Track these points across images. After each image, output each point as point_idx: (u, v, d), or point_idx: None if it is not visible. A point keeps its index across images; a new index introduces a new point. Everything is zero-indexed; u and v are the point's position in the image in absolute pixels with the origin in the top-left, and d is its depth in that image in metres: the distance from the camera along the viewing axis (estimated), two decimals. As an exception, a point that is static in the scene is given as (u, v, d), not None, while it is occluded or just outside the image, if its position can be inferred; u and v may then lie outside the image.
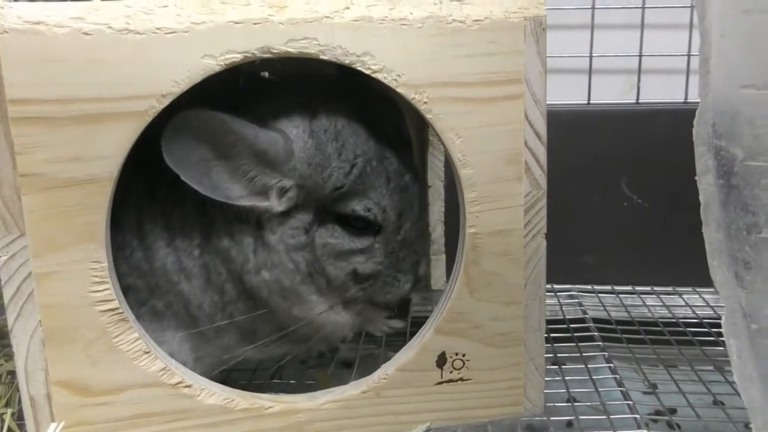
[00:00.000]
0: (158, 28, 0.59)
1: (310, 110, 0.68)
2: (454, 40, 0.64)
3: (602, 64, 1.20)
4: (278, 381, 0.91)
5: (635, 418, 0.75)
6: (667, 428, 0.81)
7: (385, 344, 0.91)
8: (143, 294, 0.72)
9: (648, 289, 1.15)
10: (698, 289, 1.12)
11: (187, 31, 0.59)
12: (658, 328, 0.99)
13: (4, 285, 0.62)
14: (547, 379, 0.74)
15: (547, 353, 0.74)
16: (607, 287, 1.15)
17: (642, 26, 1.18)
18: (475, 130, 0.65)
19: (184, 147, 0.63)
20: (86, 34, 0.58)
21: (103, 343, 0.64)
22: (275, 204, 0.68)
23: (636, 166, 1.15)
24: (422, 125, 0.92)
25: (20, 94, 0.58)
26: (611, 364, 0.88)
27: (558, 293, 1.13)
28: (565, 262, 1.07)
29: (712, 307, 1.07)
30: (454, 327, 0.69)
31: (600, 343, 0.95)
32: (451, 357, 0.70)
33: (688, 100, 1.19)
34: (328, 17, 0.61)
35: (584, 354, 0.92)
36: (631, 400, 0.79)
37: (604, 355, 0.91)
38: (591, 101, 1.20)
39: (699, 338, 0.96)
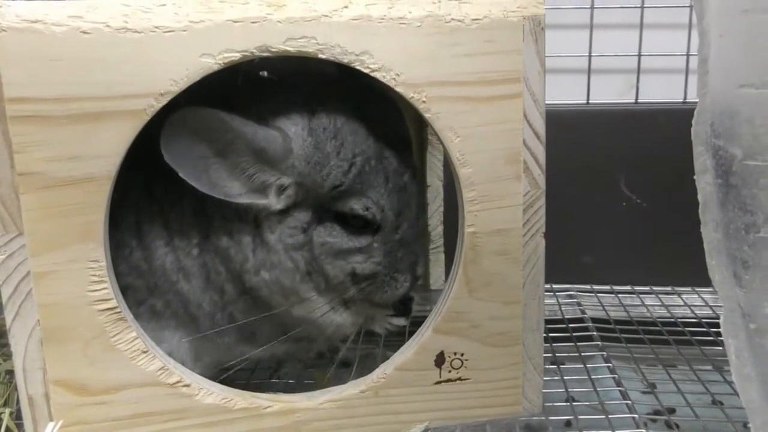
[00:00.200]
0: (156, 27, 0.59)
1: (309, 109, 0.68)
2: (452, 39, 0.64)
3: (601, 64, 1.20)
4: (277, 380, 0.91)
5: (634, 418, 0.75)
6: (665, 428, 0.81)
7: (383, 344, 0.91)
8: (142, 293, 0.72)
9: (647, 288, 1.15)
10: (697, 289, 1.12)
11: (185, 30, 0.59)
12: (657, 328, 0.99)
13: (3, 284, 0.61)
14: (545, 378, 0.74)
15: (545, 353, 0.74)
16: (606, 287, 1.15)
17: (641, 26, 1.18)
18: (473, 129, 0.65)
19: (183, 144, 0.63)
20: (84, 32, 0.58)
21: (102, 342, 0.64)
22: (273, 202, 0.68)
23: (635, 166, 1.15)
24: (421, 124, 0.92)
25: (18, 92, 0.58)
26: (610, 364, 0.88)
27: (557, 293, 1.13)
28: (564, 261, 1.07)
29: (710, 306, 1.07)
30: (452, 326, 0.69)
31: (599, 342, 0.95)
32: (449, 356, 0.70)
33: (687, 100, 1.19)
34: (326, 16, 0.61)
35: (583, 354, 0.92)
36: (630, 400, 0.79)
37: (602, 355, 0.91)
38: (590, 101, 1.20)
39: (698, 338, 0.96)
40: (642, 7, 1.18)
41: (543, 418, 0.74)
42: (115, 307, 0.63)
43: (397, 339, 0.81)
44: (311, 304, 0.72)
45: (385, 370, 0.70)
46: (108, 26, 0.58)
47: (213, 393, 0.67)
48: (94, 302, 0.63)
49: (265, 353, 0.77)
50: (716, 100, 0.55)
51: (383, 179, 0.70)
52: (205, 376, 0.70)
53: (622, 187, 1.16)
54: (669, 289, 1.14)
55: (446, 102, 0.64)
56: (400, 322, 0.76)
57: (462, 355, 0.70)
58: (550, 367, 0.87)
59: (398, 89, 0.64)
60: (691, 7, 1.15)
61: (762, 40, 0.52)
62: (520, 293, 0.69)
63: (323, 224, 0.70)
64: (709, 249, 0.57)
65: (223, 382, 0.71)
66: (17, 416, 0.70)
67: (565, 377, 0.85)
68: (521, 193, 0.68)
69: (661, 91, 1.19)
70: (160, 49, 0.59)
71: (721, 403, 0.81)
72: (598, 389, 0.82)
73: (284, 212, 0.69)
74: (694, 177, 0.57)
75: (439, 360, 0.70)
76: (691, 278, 1.11)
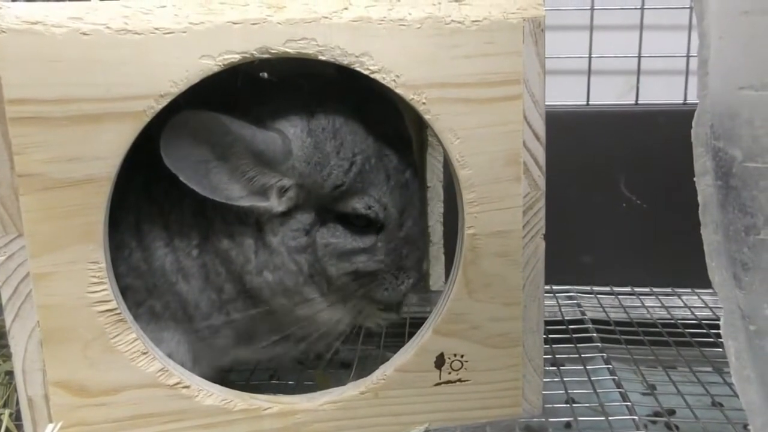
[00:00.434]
0: (156, 29, 0.59)
1: (308, 110, 0.68)
2: (452, 40, 0.64)
3: (601, 65, 1.20)
4: (277, 382, 0.91)
5: (634, 419, 0.75)
6: (665, 429, 0.81)
7: (383, 345, 0.91)
8: (141, 294, 0.72)
9: (647, 290, 1.15)
10: (697, 290, 1.12)
11: (185, 32, 0.59)
12: (657, 329, 0.99)
13: (2, 285, 0.62)
14: (545, 380, 0.74)
15: (545, 354, 0.74)
16: (606, 288, 1.15)
17: (641, 27, 1.18)
18: (473, 131, 0.65)
19: (183, 148, 0.63)
20: (84, 34, 0.58)
21: (101, 343, 0.64)
22: (275, 204, 0.68)
23: (635, 167, 1.16)
24: (421, 125, 0.92)
25: (18, 94, 0.58)
26: (610, 365, 0.88)
27: (557, 294, 1.13)
28: (564, 263, 1.08)
29: (710, 308, 1.07)
30: (452, 328, 0.69)
31: (599, 344, 0.95)
32: (449, 358, 0.70)
33: (687, 101, 1.19)
34: (326, 18, 0.61)
35: (583, 355, 0.92)
36: (630, 401, 0.79)
37: (602, 356, 0.91)
38: (590, 102, 1.20)
39: (698, 339, 0.96)
40: (642, 9, 1.18)
41: (543, 419, 0.74)
42: (115, 309, 0.63)
43: (397, 340, 0.81)
44: (312, 305, 0.72)
45: (385, 371, 0.70)
46: (108, 28, 0.58)
47: (213, 394, 0.67)
48: (93, 303, 0.63)
49: (264, 354, 0.77)
50: (716, 101, 0.55)
51: (384, 177, 0.70)
52: (206, 378, 0.70)
53: (622, 188, 1.16)
54: (669, 290, 1.14)
55: (446, 103, 0.64)
56: (392, 316, 0.76)
57: (462, 356, 0.70)
58: (550, 368, 0.87)
59: (398, 91, 0.64)
60: (691, 8, 1.15)
61: (762, 41, 0.52)
62: (519, 295, 0.69)
63: (326, 225, 0.70)
64: (709, 251, 0.57)
65: (222, 383, 0.71)
66: (17, 417, 0.70)
67: (565, 378, 0.85)
68: (521, 194, 0.68)
69: (661, 92, 1.19)
70: (160, 50, 0.59)
71: (721, 405, 0.81)
72: (598, 391, 0.82)
73: (286, 214, 0.69)
74: (694, 178, 0.57)
75: (439, 361, 0.70)
76: (691, 279, 1.11)
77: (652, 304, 1.10)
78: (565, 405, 0.79)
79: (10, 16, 0.57)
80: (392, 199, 0.70)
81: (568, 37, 1.20)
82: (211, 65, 0.60)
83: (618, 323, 1.02)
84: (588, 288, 1.15)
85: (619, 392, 0.82)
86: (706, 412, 0.79)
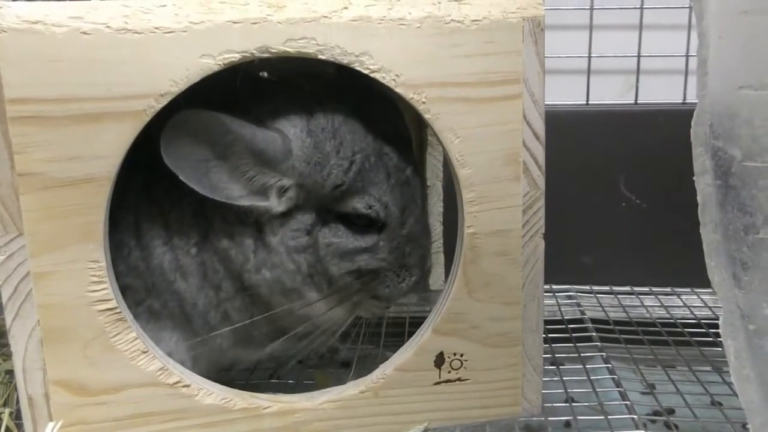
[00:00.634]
0: (157, 28, 0.59)
1: (307, 109, 0.68)
2: (452, 40, 0.64)
3: (601, 65, 1.21)
4: (276, 381, 0.91)
5: (633, 419, 0.75)
6: (665, 429, 0.81)
7: (383, 344, 0.91)
8: (140, 293, 0.72)
9: (646, 289, 1.15)
10: (696, 290, 1.12)
11: (185, 31, 0.59)
12: (656, 329, 0.99)
13: (2, 285, 0.62)
14: (545, 379, 0.74)
15: (545, 353, 0.74)
16: (606, 288, 1.15)
17: (640, 27, 1.19)
18: (473, 130, 0.65)
19: (183, 147, 0.63)
20: (85, 33, 0.58)
21: (101, 342, 0.64)
22: (275, 204, 0.68)
23: (634, 167, 1.16)
24: (421, 125, 0.92)
25: (18, 93, 0.58)
26: (609, 365, 0.88)
27: (556, 293, 1.13)
28: (564, 262, 1.07)
29: (710, 307, 1.07)
30: (452, 327, 0.69)
31: (598, 343, 0.95)
32: (449, 357, 0.70)
33: (686, 101, 1.19)
34: (326, 17, 0.62)
35: (582, 354, 0.92)
36: (629, 401, 0.79)
37: (602, 356, 0.91)
38: (590, 101, 1.20)
39: (697, 339, 0.96)
40: (641, 8, 1.18)
41: (542, 418, 0.74)
42: (115, 308, 0.63)
43: (397, 339, 0.81)
44: (310, 301, 0.72)
45: (384, 370, 0.70)
46: (108, 27, 0.58)
47: (212, 393, 0.67)
48: (93, 303, 0.63)
49: (264, 354, 0.77)
50: (715, 101, 0.55)
51: (384, 176, 0.70)
52: (206, 377, 0.70)
53: (621, 187, 1.16)
54: (668, 289, 1.14)
55: (446, 103, 0.64)
56: (383, 304, 0.76)
57: (461, 355, 0.70)
58: (550, 367, 0.87)
59: (398, 90, 0.64)
60: (690, 8, 1.15)
61: (761, 41, 0.52)
62: (519, 294, 0.70)
63: (328, 225, 0.70)
64: (708, 250, 0.57)
65: (222, 382, 0.71)
66: (17, 416, 0.70)
67: (564, 378, 0.85)
68: (520, 193, 0.68)
69: (660, 91, 1.19)
70: (161, 49, 0.59)
71: (720, 404, 0.81)
72: (597, 390, 0.82)
73: (286, 215, 0.69)
74: (694, 178, 0.57)
75: (439, 360, 0.70)
76: (690, 279, 1.11)
77: (652, 303, 1.10)
78: (564, 404, 0.79)
79: (11, 15, 0.57)
80: (393, 198, 0.70)
81: (568, 37, 1.20)
82: (211, 64, 0.60)
83: (617, 323, 1.02)
84: (587, 287, 1.15)
85: (619, 391, 0.82)
86: (706, 411, 0.79)
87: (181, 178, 0.63)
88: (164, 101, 0.60)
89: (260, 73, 0.75)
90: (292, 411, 0.69)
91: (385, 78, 0.63)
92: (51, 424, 0.64)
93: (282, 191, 0.68)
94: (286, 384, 0.90)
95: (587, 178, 1.16)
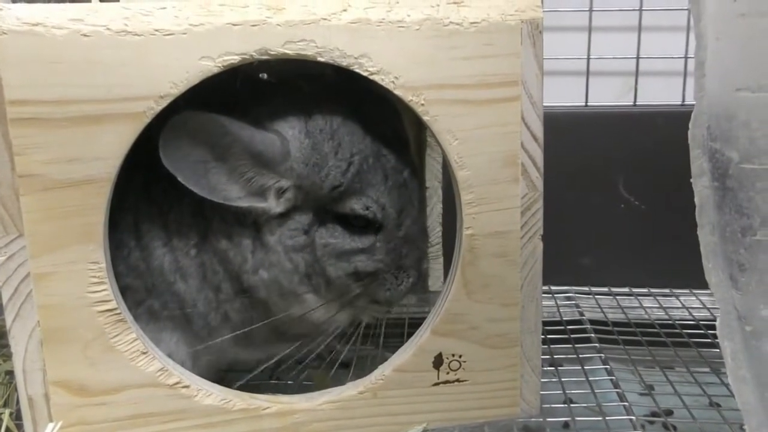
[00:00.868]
0: (156, 30, 0.59)
1: (306, 111, 0.69)
2: (451, 42, 0.64)
3: (600, 66, 1.21)
4: (276, 381, 0.92)
5: (631, 420, 0.75)
6: (663, 430, 0.81)
7: (382, 345, 0.91)
8: (140, 294, 0.72)
9: (645, 290, 1.15)
10: (695, 291, 1.12)
11: (185, 33, 0.60)
12: (655, 330, 1.00)
13: (3, 285, 0.62)
14: (543, 380, 0.74)
15: (543, 354, 0.74)
16: (604, 289, 1.15)
17: (639, 28, 1.19)
18: (471, 132, 0.66)
19: (181, 149, 0.63)
20: (85, 35, 0.58)
21: (101, 343, 0.64)
22: (273, 204, 0.68)
23: (633, 168, 1.16)
24: (420, 126, 0.92)
25: (19, 95, 0.58)
26: (608, 366, 0.89)
27: (555, 295, 1.13)
28: (563, 263, 1.08)
29: (708, 309, 1.07)
30: (450, 328, 0.70)
31: (597, 344, 0.95)
32: (447, 358, 0.70)
33: (685, 103, 1.19)
34: (325, 19, 0.62)
35: (581, 355, 0.92)
36: (628, 402, 0.79)
37: (600, 357, 0.92)
38: (588, 103, 1.20)
39: (695, 340, 0.96)
40: (640, 10, 1.18)
41: (541, 419, 0.75)
42: (115, 309, 0.64)
43: (396, 340, 0.81)
44: (307, 305, 0.72)
45: (383, 371, 0.70)
46: (108, 29, 0.59)
47: (212, 394, 0.68)
48: (93, 303, 0.63)
49: (263, 354, 0.77)
50: (713, 103, 0.55)
51: (382, 177, 0.70)
52: (205, 378, 0.70)
53: (620, 189, 1.16)
54: (667, 291, 1.14)
55: (444, 105, 0.65)
56: (384, 309, 0.76)
57: (460, 356, 0.70)
58: (548, 368, 0.88)
59: (397, 92, 0.64)
60: (689, 9, 1.15)
61: (759, 43, 0.53)
62: (517, 295, 0.70)
63: (325, 226, 0.70)
64: (705, 252, 0.57)
65: (221, 383, 0.71)
66: (17, 417, 0.70)
67: (562, 379, 0.86)
68: (519, 195, 0.68)
69: (659, 93, 1.19)
70: (160, 52, 0.59)
71: (718, 405, 0.81)
72: (595, 391, 0.83)
73: (284, 215, 0.69)
74: (691, 179, 0.57)
75: (438, 361, 0.70)
76: (689, 280, 1.11)
77: (650, 304, 1.10)
78: (563, 405, 0.80)
79: (11, 17, 0.57)
80: (390, 199, 0.71)
81: (567, 38, 1.20)
82: (210, 66, 0.60)
83: (616, 324, 1.02)
84: (586, 289, 1.15)
85: (617, 392, 0.82)
86: (704, 412, 0.79)
87: (179, 179, 0.64)
88: (164, 103, 0.60)
89: (260, 75, 0.75)
90: (292, 412, 0.69)
91: (384, 80, 0.63)
92: (51, 425, 0.64)
93: (280, 192, 0.68)
94: (286, 385, 0.90)
95: (586, 180, 1.16)
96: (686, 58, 1.18)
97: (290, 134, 0.68)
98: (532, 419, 0.74)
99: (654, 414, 0.82)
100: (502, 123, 0.66)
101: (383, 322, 0.92)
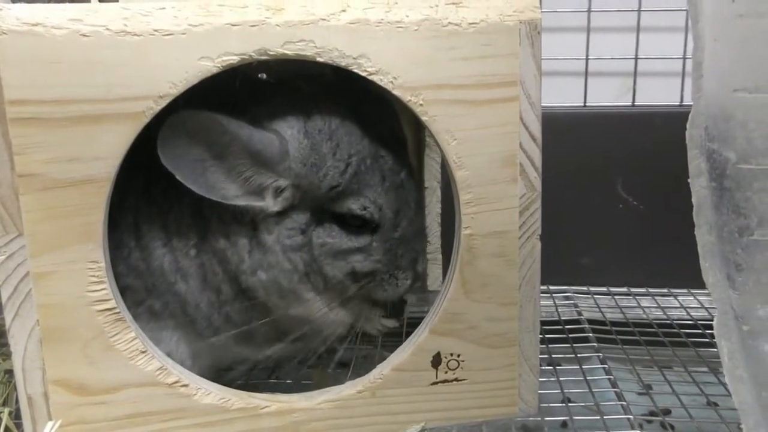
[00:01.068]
0: (156, 30, 0.59)
1: (304, 111, 0.69)
2: (449, 42, 0.64)
3: (598, 67, 1.21)
4: (275, 380, 0.92)
5: (629, 419, 0.76)
6: (660, 429, 0.81)
7: (381, 344, 0.92)
8: (140, 294, 0.72)
9: (643, 290, 1.15)
10: (693, 291, 1.13)
11: (184, 33, 0.60)
12: (653, 330, 1.00)
13: (2, 284, 0.62)
14: (541, 379, 0.74)
15: (542, 354, 0.74)
16: (603, 288, 1.15)
17: (638, 29, 1.19)
18: (470, 132, 0.66)
19: (180, 147, 0.64)
20: (84, 35, 0.58)
21: (101, 342, 0.64)
22: (271, 204, 0.69)
23: (631, 168, 1.16)
24: (419, 126, 0.93)
25: (18, 95, 0.58)
26: (606, 365, 0.89)
27: (554, 294, 1.13)
28: (561, 263, 1.08)
29: (706, 308, 1.07)
30: (449, 327, 0.70)
31: (595, 344, 0.95)
32: (446, 357, 0.70)
33: (683, 103, 1.19)
34: (324, 20, 0.62)
35: (579, 355, 0.92)
36: (626, 401, 0.79)
37: (598, 356, 0.92)
38: (587, 103, 1.20)
39: (693, 340, 0.96)
40: (639, 11, 1.18)
41: (539, 418, 0.75)
42: (114, 308, 0.64)
43: (394, 340, 0.81)
44: (308, 305, 0.72)
45: (382, 370, 0.70)
46: (108, 29, 0.59)
47: (211, 393, 0.68)
48: (93, 303, 0.63)
49: (263, 354, 0.77)
50: (711, 103, 0.56)
51: (379, 178, 0.70)
52: (205, 377, 0.70)
53: (618, 189, 1.17)
54: (665, 290, 1.14)
55: (443, 105, 0.65)
56: (390, 323, 0.77)
57: (458, 356, 0.70)
58: (546, 368, 0.88)
59: (395, 92, 0.64)
60: (687, 10, 1.15)
61: (756, 44, 0.53)
62: (516, 295, 0.70)
63: (322, 225, 0.70)
64: (702, 252, 0.57)
65: (220, 382, 0.71)
66: (16, 416, 0.70)
67: (561, 378, 0.86)
68: (517, 195, 0.68)
69: (657, 94, 1.19)
70: (160, 52, 0.60)
71: (716, 405, 0.82)
72: (593, 390, 0.83)
73: (281, 214, 0.69)
74: (689, 180, 0.57)
75: (436, 361, 0.70)
76: (687, 280, 1.11)
77: (648, 304, 1.10)
78: (561, 404, 0.80)
79: (11, 17, 0.58)
80: (387, 200, 0.71)
81: (566, 39, 1.20)
82: (209, 67, 0.60)
83: (614, 323, 1.02)
84: (585, 288, 1.15)
85: (615, 392, 0.82)
86: (701, 411, 0.80)
87: (177, 177, 0.64)
88: (163, 103, 0.60)
89: (259, 75, 0.75)
90: (290, 411, 0.70)
91: (382, 80, 0.64)
92: (50, 424, 0.65)
93: (278, 191, 0.68)
94: (285, 384, 0.90)
95: (585, 180, 1.16)
96: (684, 58, 1.19)
97: (289, 134, 0.68)
98: (530, 418, 0.75)
99: (652, 413, 0.82)
100: (501, 123, 0.66)
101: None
